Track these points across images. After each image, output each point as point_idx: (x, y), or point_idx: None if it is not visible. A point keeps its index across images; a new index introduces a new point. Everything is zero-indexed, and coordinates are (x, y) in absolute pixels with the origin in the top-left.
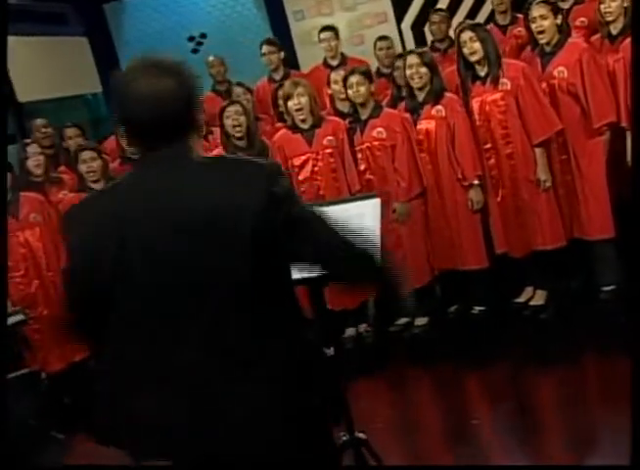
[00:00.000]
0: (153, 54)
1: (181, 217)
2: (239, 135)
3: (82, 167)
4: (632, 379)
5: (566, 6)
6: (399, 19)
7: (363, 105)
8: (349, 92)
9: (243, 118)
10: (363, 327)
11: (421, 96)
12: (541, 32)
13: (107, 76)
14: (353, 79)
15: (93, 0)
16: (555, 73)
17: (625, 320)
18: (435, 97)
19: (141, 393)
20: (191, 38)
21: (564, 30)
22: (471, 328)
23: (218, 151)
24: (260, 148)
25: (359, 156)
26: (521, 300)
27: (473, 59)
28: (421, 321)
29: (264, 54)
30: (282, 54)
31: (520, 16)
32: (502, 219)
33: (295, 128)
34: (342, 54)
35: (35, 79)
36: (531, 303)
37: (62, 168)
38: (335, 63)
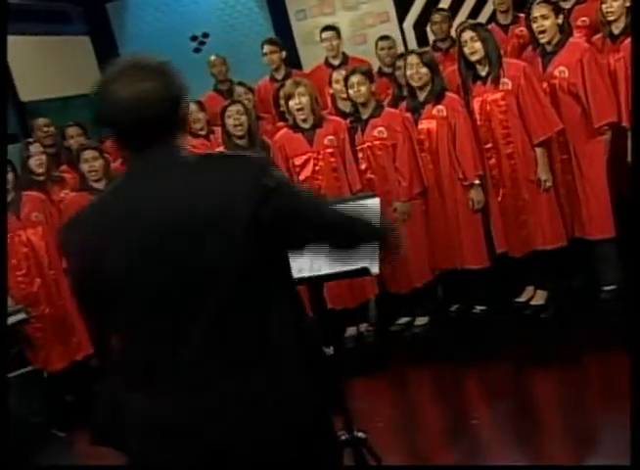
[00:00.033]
0: (136, 56)
1: (177, 218)
2: (240, 134)
3: (84, 167)
4: (632, 379)
5: (567, 5)
6: (401, 18)
7: (364, 104)
8: (350, 92)
9: (244, 118)
10: (364, 326)
11: (422, 96)
12: (542, 32)
13: None
14: (354, 79)
15: None
16: (556, 73)
17: (626, 320)
18: (436, 97)
19: (141, 393)
20: (193, 38)
21: (565, 30)
22: (472, 327)
23: (220, 150)
24: (261, 147)
25: (360, 155)
26: (521, 299)
27: (473, 58)
28: (422, 321)
29: (266, 53)
30: (283, 53)
31: (521, 15)
32: (503, 219)
33: (296, 128)
34: (343, 53)
35: (38, 79)
36: (532, 302)
37: (63, 168)
38: (336, 62)
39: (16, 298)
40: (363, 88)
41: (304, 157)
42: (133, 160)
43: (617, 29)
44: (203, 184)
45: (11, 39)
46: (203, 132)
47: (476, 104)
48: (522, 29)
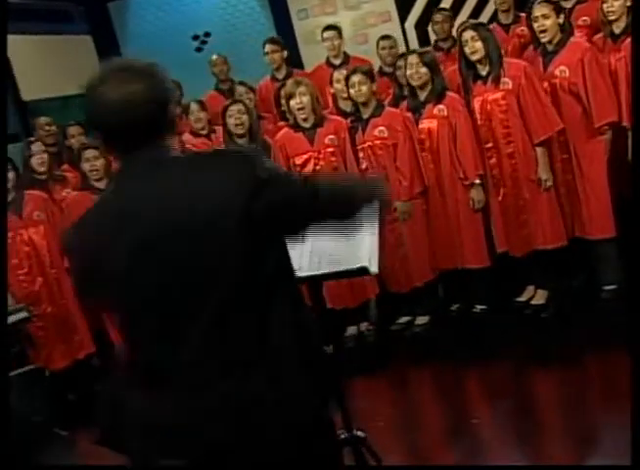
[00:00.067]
0: (123, 58)
1: (174, 218)
2: (241, 133)
3: (85, 166)
4: (632, 378)
5: (568, 5)
6: (403, 18)
7: (365, 104)
8: (351, 91)
9: (245, 117)
10: (365, 326)
11: (422, 95)
12: (543, 31)
13: None
14: (355, 79)
15: None
16: (556, 73)
17: (626, 320)
18: (437, 96)
19: (141, 392)
20: (195, 37)
21: (566, 30)
22: (472, 327)
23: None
24: (262, 147)
25: (361, 154)
26: (522, 299)
27: (474, 58)
28: (422, 320)
29: (267, 53)
30: (284, 53)
31: (522, 15)
32: (503, 219)
33: (297, 127)
34: (344, 53)
35: (39, 78)
36: (533, 302)
37: (65, 167)
38: (337, 62)
39: (17, 296)
40: (364, 88)
41: (305, 156)
42: (123, 161)
43: (617, 29)
44: (197, 183)
45: (13, 38)
46: (204, 132)
47: (476, 103)
48: (523, 29)
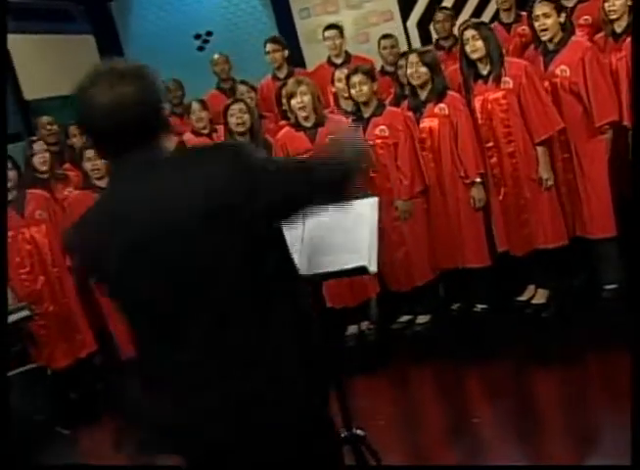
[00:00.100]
0: (112, 61)
1: (167, 219)
2: (242, 132)
3: (87, 165)
4: (633, 378)
5: (570, 4)
6: (405, 17)
7: (366, 103)
8: (352, 91)
9: (246, 117)
10: (365, 325)
11: (423, 94)
12: (544, 30)
13: None
14: (356, 79)
15: None
16: (557, 72)
17: (627, 319)
18: (438, 95)
19: (142, 393)
20: (197, 36)
21: (567, 29)
22: (473, 326)
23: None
24: (264, 146)
25: None
26: (523, 298)
27: (474, 57)
28: (423, 319)
29: (268, 52)
30: (286, 52)
31: (524, 14)
32: (504, 218)
33: (298, 126)
34: (346, 52)
35: (42, 77)
36: (533, 301)
37: (66, 166)
38: (339, 61)
39: (19, 295)
40: (365, 88)
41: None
42: (115, 164)
43: (619, 28)
44: (190, 184)
45: (14, 38)
46: (205, 131)
47: (477, 103)
48: (524, 28)
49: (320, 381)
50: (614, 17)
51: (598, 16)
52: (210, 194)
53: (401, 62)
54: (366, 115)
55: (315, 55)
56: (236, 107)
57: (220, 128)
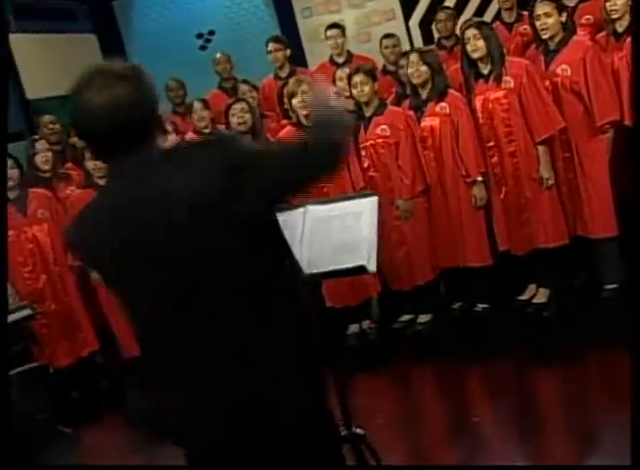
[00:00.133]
0: (105, 62)
1: (160, 220)
2: (244, 132)
3: (89, 164)
4: (633, 378)
5: (571, 3)
6: (407, 16)
7: (367, 103)
8: (354, 91)
9: (248, 116)
10: (367, 324)
11: (424, 93)
12: (544, 29)
13: None
14: (357, 79)
15: None
16: (558, 71)
17: (628, 319)
18: (439, 94)
19: (141, 393)
20: (199, 35)
21: (568, 28)
22: (474, 325)
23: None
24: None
25: (363, 153)
26: (524, 297)
27: (475, 56)
28: (424, 318)
29: (270, 51)
30: (288, 51)
31: (525, 13)
32: (505, 217)
33: (299, 125)
34: (348, 51)
35: (44, 76)
36: (534, 300)
37: (68, 165)
38: (341, 60)
39: (21, 294)
40: (366, 88)
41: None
42: (110, 164)
43: (620, 28)
44: (183, 182)
45: (17, 37)
46: (207, 130)
47: (478, 102)
48: (525, 27)
49: (320, 381)
50: (615, 16)
51: (600, 15)
52: (204, 191)
53: (402, 61)
54: (367, 114)
55: (317, 54)
56: (237, 106)
57: (222, 128)
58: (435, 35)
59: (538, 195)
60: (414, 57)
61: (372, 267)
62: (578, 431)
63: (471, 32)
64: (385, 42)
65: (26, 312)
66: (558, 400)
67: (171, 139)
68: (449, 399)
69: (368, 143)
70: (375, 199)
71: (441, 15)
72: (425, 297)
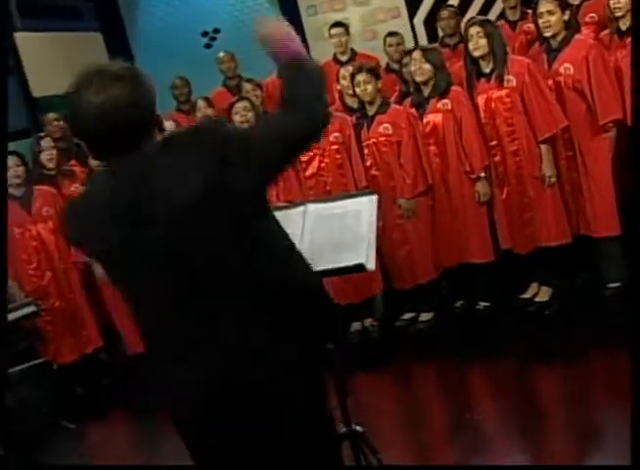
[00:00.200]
0: (103, 63)
1: (166, 217)
2: None
3: (93, 162)
4: (632, 378)
5: (576, 1)
6: (412, 14)
7: (370, 102)
8: (357, 90)
9: (251, 115)
10: (369, 321)
11: (426, 91)
12: (547, 27)
13: None
14: (360, 77)
15: None
16: (561, 70)
17: (630, 318)
18: (441, 91)
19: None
20: (204, 33)
21: (571, 27)
22: (476, 324)
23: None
24: None
25: (365, 151)
26: (526, 296)
27: (476, 54)
28: (426, 316)
29: None
30: None
31: (529, 11)
32: (507, 217)
33: None
34: (352, 50)
35: (49, 74)
36: (536, 299)
37: (73, 162)
38: (344, 58)
39: (26, 291)
40: (369, 87)
41: (310, 153)
42: (110, 163)
43: (624, 25)
44: (178, 175)
45: (23, 36)
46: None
47: (480, 101)
48: (529, 26)
49: (320, 382)
50: (619, 14)
51: (604, 13)
52: (202, 188)
53: (406, 59)
54: (370, 112)
55: (322, 52)
56: (240, 105)
57: None
58: (440, 33)
59: (541, 193)
60: (417, 55)
61: (370, 265)
62: (579, 430)
63: (474, 30)
64: (388, 40)
65: (31, 309)
66: (559, 399)
67: None
68: (451, 398)
69: (371, 141)
70: (374, 197)
71: (444, 13)
72: (427, 295)
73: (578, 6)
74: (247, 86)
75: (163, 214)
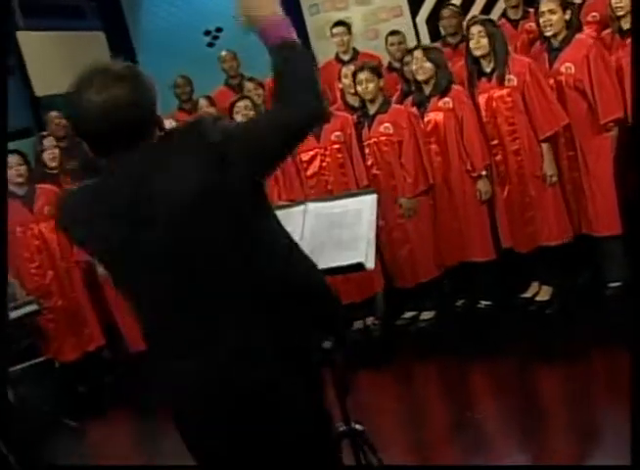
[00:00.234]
0: (102, 62)
1: (165, 217)
2: None
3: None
4: (632, 378)
5: (577, 0)
6: (414, 13)
7: (372, 101)
8: (358, 88)
9: (252, 113)
10: (370, 320)
11: (427, 89)
12: (548, 26)
13: None
14: (362, 76)
15: None
16: (562, 69)
17: (631, 317)
18: (442, 90)
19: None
20: (207, 32)
21: (572, 26)
22: (477, 322)
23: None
24: None
25: (367, 151)
26: (527, 295)
27: (477, 53)
28: (427, 315)
29: None
30: None
31: (531, 10)
32: (508, 216)
33: None
34: (354, 49)
35: (52, 74)
36: (537, 298)
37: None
38: (346, 57)
39: (28, 289)
40: (371, 85)
41: (312, 152)
42: (110, 161)
43: (626, 25)
44: (174, 174)
45: (26, 35)
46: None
47: (481, 100)
48: (531, 25)
49: (320, 382)
50: (620, 13)
51: (606, 12)
52: (201, 188)
53: (407, 58)
54: (371, 111)
55: (324, 51)
56: (241, 104)
57: None
58: (442, 32)
59: (542, 193)
60: (418, 54)
61: (370, 265)
62: (579, 430)
63: (475, 29)
64: (390, 39)
65: (33, 308)
66: (560, 399)
67: None
68: (452, 396)
69: (372, 141)
70: (374, 196)
71: (446, 12)
72: (428, 294)
73: (580, 5)
74: (248, 85)
75: (163, 215)
